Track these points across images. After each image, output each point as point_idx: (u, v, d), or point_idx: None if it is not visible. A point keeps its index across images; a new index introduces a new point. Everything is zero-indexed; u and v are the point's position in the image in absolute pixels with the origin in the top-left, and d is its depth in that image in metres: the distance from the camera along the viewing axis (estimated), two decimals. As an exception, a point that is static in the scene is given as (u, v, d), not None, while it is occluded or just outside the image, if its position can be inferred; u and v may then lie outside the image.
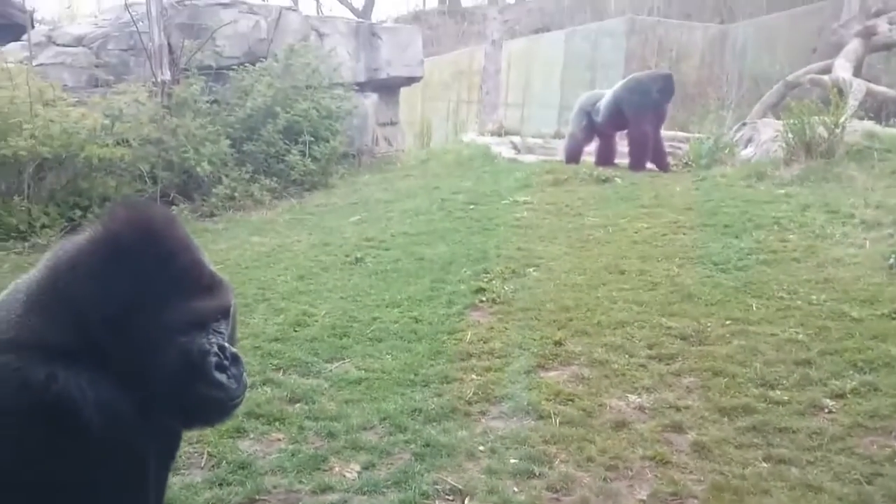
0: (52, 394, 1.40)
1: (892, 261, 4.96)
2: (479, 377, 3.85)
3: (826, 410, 3.39)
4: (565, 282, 5.09)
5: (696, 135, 10.90)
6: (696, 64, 19.20)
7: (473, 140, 11.88)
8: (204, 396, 1.54)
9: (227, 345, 1.58)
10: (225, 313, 1.62)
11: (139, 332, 1.49)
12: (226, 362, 1.55)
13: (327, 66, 9.80)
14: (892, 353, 3.81)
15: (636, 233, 6.12)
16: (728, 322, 4.29)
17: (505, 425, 3.41)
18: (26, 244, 6.42)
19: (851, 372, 3.68)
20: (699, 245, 5.61)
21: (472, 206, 7.31)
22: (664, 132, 10.01)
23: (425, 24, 28.88)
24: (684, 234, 5.97)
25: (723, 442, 3.17)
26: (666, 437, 3.25)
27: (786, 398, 3.47)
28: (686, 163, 8.97)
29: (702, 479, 2.94)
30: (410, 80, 12.32)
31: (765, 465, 3.01)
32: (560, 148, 11.46)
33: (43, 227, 6.65)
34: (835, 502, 2.77)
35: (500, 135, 12.53)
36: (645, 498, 2.83)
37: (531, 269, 5.37)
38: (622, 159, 9.35)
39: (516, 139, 12.12)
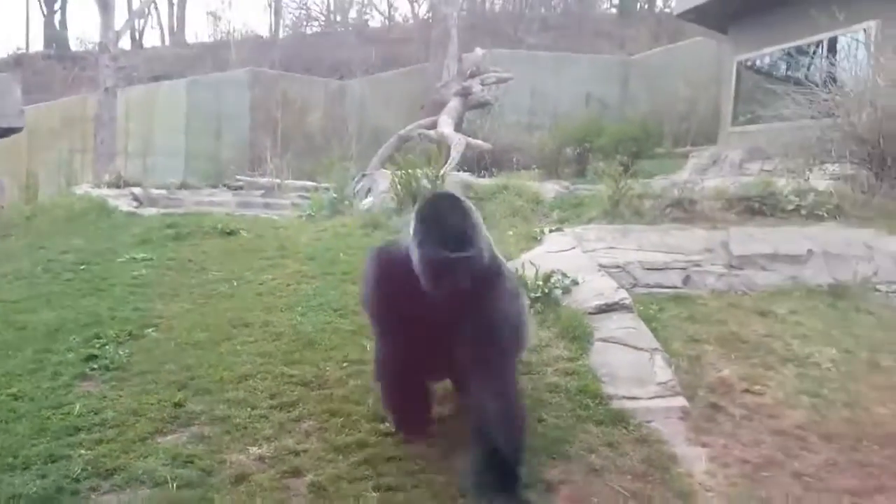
0: None
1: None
2: (88, 451, 3.58)
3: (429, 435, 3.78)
4: (187, 340, 4.96)
5: (324, 185, 11.39)
6: (321, 116, 20.20)
7: (87, 193, 11.01)
8: None
9: None
10: None
11: None
12: None
13: None
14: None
15: (261, 284, 6.19)
16: (345, 364, 4.54)
17: (117, 499, 3.22)
18: None
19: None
20: (320, 293, 5.86)
21: (82, 266, 6.75)
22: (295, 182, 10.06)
23: (29, 69, 26.29)
24: (307, 283, 6.20)
25: (337, 479, 3.35)
26: (285, 482, 3.34)
27: (394, 430, 3.79)
28: (310, 214, 9.27)
29: (317, 518, 3.08)
30: (10, 132, 11.09)
31: (374, 494, 3.25)
32: (187, 200, 11.16)
33: None
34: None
35: (118, 186, 11.79)
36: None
37: (150, 330, 5.13)
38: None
39: (138, 191, 11.51)
